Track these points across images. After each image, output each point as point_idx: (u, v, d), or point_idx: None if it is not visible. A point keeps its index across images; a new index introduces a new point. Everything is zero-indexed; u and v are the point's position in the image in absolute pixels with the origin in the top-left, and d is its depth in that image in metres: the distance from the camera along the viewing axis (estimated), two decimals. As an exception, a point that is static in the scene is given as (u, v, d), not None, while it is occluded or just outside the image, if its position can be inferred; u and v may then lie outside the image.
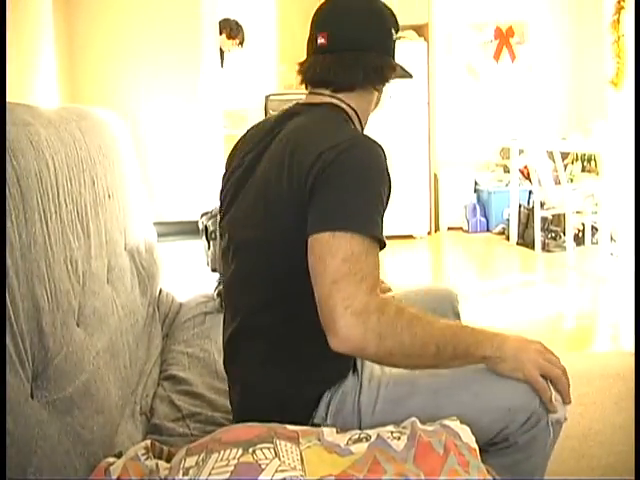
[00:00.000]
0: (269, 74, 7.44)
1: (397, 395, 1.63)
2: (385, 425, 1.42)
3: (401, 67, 1.81)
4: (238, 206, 1.69)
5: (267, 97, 7.21)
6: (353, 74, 1.72)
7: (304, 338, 1.59)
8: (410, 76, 1.84)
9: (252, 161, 1.70)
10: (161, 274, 2.61)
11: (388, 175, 1.54)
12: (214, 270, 2.68)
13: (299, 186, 1.50)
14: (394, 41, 1.80)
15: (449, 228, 7.51)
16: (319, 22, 1.80)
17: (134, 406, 1.81)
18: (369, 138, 1.58)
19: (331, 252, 1.40)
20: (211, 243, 2.65)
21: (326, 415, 1.60)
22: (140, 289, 2.26)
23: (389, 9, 1.81)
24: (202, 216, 2.75)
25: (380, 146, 1.57)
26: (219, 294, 2.53)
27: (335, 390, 1.63)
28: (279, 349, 1.63)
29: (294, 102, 1.83)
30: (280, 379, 1.62)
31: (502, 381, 1.61)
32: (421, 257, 6.75)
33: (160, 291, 2.58)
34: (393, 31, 1.79)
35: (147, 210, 2.78)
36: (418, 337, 1.45)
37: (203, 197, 3.40)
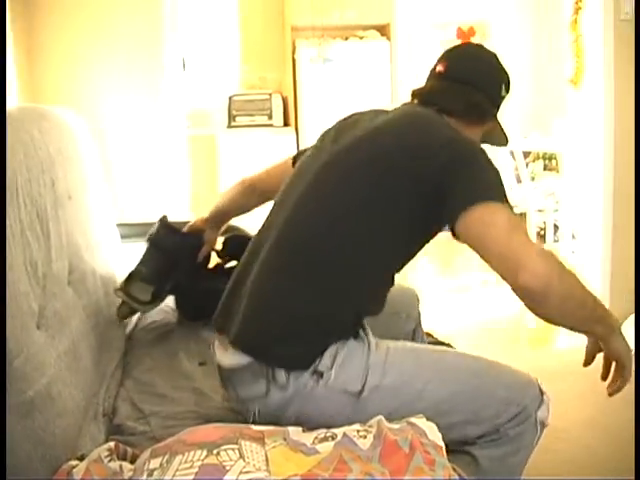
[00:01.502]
0: (232, 74, 7.42)
1: (404, 365, 1.67)
2: (385, 393, 1.57)
3: (501, 128, 2.00)
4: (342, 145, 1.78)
5: (230, 97, 7.19)
6: (456, 101, 1.86)
7: (347, 280, 1.65)
8: (505, 143, 2.06)
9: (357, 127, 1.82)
10: (124, 276, 2.59)
11: None
12: None
13: (425, 163, 1.63)
14: (502, 97, 1.96)
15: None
16: (444, 54, 2.00)
17: (97, 408, 1.79)
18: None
19: (493, 217, 1.56)
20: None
21: (331, 365, 1.59)
22: (103, 291, 2.24)
23: (507, 72, 1.96)
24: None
25: None
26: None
27: (342, 345, 1.62)
28: (319, 275, 1.65)
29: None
30: (304, 302, 1.64)
31: (503, 372, 1.79)
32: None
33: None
34: (504, 87, 1.95)
35: (110, 211, 2.75)
36: (581, 285, 1.58)
37: (167, 198, 3.38)
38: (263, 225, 1.83)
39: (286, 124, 7.20)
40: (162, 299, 2.35)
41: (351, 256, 1.65)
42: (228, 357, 1.66)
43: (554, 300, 1.53)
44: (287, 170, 2.02)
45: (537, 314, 1.59)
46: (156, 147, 3.42)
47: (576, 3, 3.83)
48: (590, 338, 1.78)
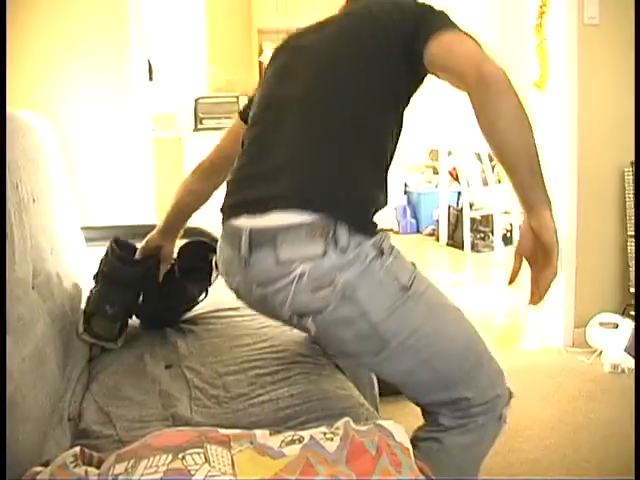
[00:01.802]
0: (199, 76, 7.39)
1: (432, 300, 1.75)
2: (416, 309, 1.65)
3: None
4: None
5: (197, 100, 7.17)
6: None
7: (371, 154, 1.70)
8: None
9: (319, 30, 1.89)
10: (89, 279, 2.57)
11: None
12: None
13: (403, 18, 1.72)
14: None
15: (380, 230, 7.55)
16: None
17: (62, 412, 1.77)
18: None
19: (462, 38, 1.66)
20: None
21: (390, 251, 1.64)
22: (68, 294, 2.22)
23: None
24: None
25: None
26: None
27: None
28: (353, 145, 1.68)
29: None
30: (360, 171, 1.66)
31: (493, 358, 1.84)
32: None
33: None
34: None
35: (75, 214, 2.73)
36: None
37: (132, 201, 3.36)
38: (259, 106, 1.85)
39: (253, 126, 7.19)
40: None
41: (369, 126, 1.70)
42: (275, 218, 1.57)
43: (511, 98, 1.60)
44: (238, 129, 2.02)
45: (490, 111, 1.61)
46: (121, 150, 3.40)
47: (540, 7, 3.87)
48: (525, 208, 1.68)
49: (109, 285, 2.24)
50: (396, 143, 1.79)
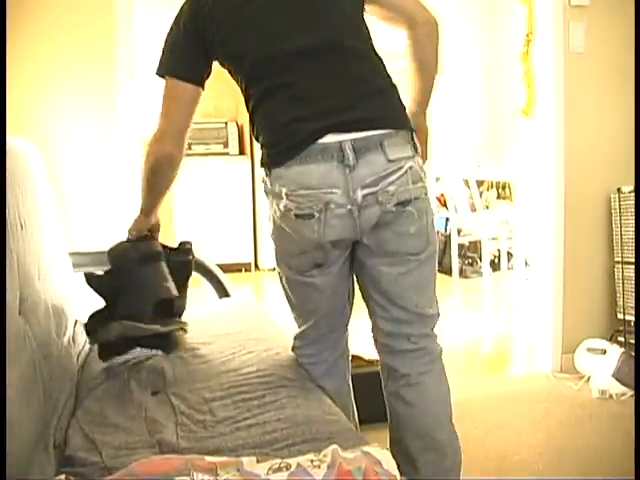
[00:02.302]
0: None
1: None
2: None
3: None
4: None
5: (185, 126, 7.18)
6: None
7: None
8: None
9: None
10: (77, 305, 2.56)
11: None
12: None
13: None
14: None
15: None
16: None
17: (48, 439, 1.76)
18: None
19: None
20: None
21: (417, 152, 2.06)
22: (55, 321, 2.21)
23: None
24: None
25: None
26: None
27: None
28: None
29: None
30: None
31: None
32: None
33: (76, 322, 2.53)
34: None
35: (62, 240, 2.73)
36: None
37: (119, 227, 3.36)
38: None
39: (242, 152, 7.21)
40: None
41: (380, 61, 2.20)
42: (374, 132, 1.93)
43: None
44: (195, 98, 2.13)
45: (430, 45, 2.36)
46: (109, 176, 3.40)
47: (527, 36, 3.91)
48: (421, 108, 2.33)
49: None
50: None
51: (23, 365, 1.72)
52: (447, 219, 6.99)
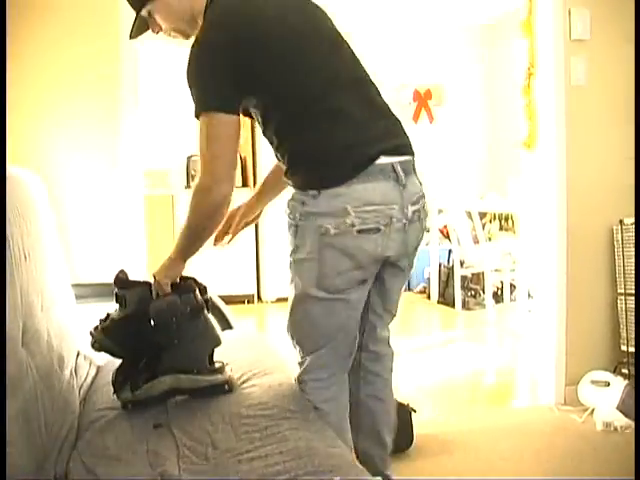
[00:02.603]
0: (191, 134, 7.44)
1: None
2: None
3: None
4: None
5: (189, 157, 7.21)
6: None
7: None
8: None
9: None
10: (79, 337, 2.56)
11: None
12: None
13: None
14: None
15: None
16: None
17: (49, 472, 1.76)
18: None
19: None
20: None
21: None
22: (57, 352, 2.21)
23: None
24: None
25: None
26: None
27: None
28: None
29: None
30: None
31: None
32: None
33: (78, 354, 2.53)
34: None
35: (65, 271, 2.73)
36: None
37: (123, 259, 3.36)
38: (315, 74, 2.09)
39: (245, 185, 7.23)
40: None
41: None
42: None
43: None
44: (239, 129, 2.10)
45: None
46: (113, 208, 3.41)
47: (528, 69, 3.93)
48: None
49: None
50: None
51: (25, 396, 1.72)
52: (450, 251, 7.00)
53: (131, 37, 2.28)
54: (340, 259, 2.05)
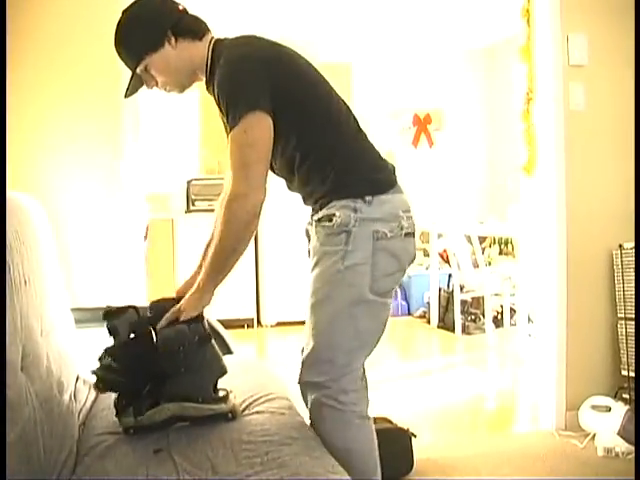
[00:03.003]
0: (191, 158, 7.46)
1: None
2: None
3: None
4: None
5: (189, 182, 7.23)
6: None
7: None
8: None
9: None
10: (79, 361, 2.55)
11: None
12: None
13: None
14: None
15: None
16: None
17: (47, 498, 1.75)
18: None
19: None
20: None
21: None
22: (56, 376, 2.20)
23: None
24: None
25: None
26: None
27: None
28: None
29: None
30: None
31: None
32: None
33: (77, 378, 2.52)
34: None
35: (65, 295, 2.73)
36: None
37: (123, 283, 3.36)
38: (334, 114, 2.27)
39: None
40: None
41: None
42: None
43: None
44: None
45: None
46: (113, 231, 3.42)
47: (527, 94, 3.95)
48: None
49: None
50: None
51: (24, 421, 1.71)
52: (450, 275, 6.99)
53: (126, 96, 2.33)
54: (389, 261, 2.19)
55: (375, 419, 2.44)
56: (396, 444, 3.06)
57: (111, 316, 2.20)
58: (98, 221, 3.41)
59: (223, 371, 2.23)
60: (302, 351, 2.27)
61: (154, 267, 3.78)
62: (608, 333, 3.90)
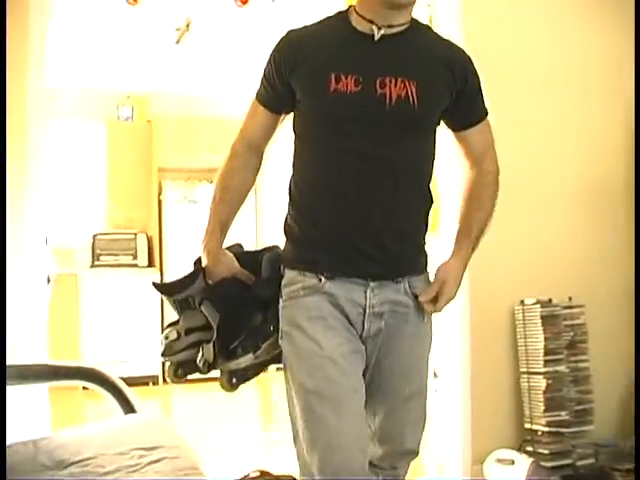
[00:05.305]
0: (97, 212, 7.35)
1: None
2: None
3: None
4: None
5: (95, 236, 7.11)
6: None
7: None
8: None
9: None
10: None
11: None
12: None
13: None
14: None
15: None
16: None
17: None
18: None
19: None
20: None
21: None
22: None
23: None
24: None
25: None
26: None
27: None
28: None
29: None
30: None
31: None
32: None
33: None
34: None
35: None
36: None
37: (23, 340, 3.26)
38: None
39: (150, 264, 7.17)
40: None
41: None
42: None
43: None
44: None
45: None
46: (13, 286, 3.31)
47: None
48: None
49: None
50: None
51: None
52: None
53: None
54: None
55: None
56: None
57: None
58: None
59: None
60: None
61: (56, 323, 3.67)
62: (511, 387, 3.96)
